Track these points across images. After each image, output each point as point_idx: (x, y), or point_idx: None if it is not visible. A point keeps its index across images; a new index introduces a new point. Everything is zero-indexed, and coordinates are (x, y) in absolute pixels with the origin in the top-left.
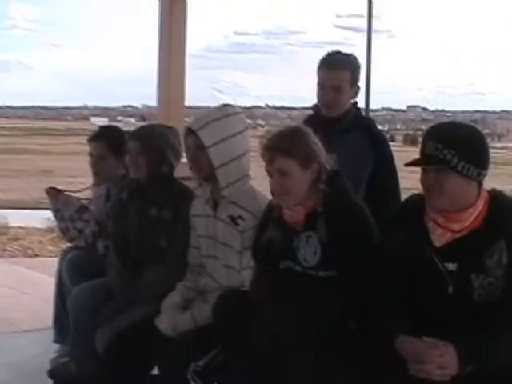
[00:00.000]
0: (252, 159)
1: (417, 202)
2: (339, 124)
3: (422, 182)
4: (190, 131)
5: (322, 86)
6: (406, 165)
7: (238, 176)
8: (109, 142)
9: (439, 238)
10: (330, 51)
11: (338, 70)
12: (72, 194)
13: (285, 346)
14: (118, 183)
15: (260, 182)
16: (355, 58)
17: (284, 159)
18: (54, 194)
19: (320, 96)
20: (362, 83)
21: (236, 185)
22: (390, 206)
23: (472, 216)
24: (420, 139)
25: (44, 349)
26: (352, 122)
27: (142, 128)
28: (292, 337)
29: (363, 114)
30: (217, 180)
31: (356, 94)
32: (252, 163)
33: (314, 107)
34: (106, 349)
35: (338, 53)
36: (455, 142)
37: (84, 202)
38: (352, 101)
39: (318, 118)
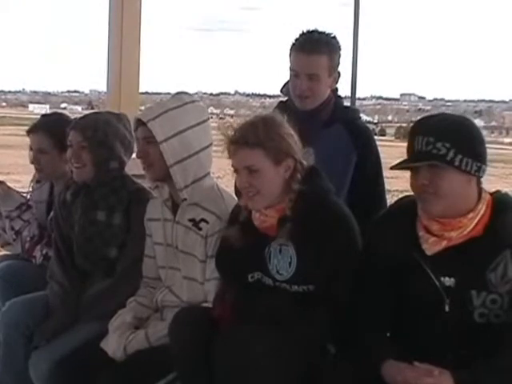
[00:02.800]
0: (219, 155)
1: (407, 205)
2: (316, 117)
3: (413, 185)
4: (140, 122)
5: (295, 74)
6: (393, 167)
7: (199, 174)
8: (51, 133)
9: (431, 246)
10: (304, 30)
11: (315, 55)
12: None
13: (254, 374)
14: (64, 182)
15: (228, 182)
16: (335, 37)
17: (253, 154)
18: None
19: (293, 85)
20: (347, 66)
21: (196, 184)
22: (374, 215)
23: (472, 222)
24: None
25: None
26: (331, 115)
27: (85, 117)
28: (263, 363)
29: (345, 103)
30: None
31: (335, 81)
32: (219, 160)
33: (284, 89)
34: (44, 381)
35: (314, 32)
36: (449, 134)
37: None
38: (329, 90)
39: (291, 108)
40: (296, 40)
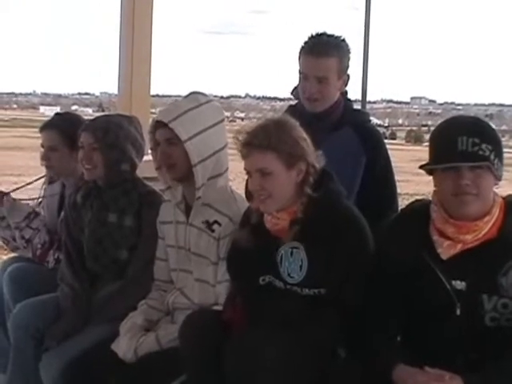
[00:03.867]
0: (230, 157)
1: (420, 209)
2: (326, 120)
3: (453, 185)
4: (161, 124)
5: (304, 77)
6: (429, 167)
7: (215, 173)
8: (63, 131)
9: (446, 250)
10: (313, 33)
11: (324, 58)
12: (20, 198)
13: (264, 377)
14: (75, 182)
15: (239, 185)
16: (344, 40)
17: (265, 156)
18: None
19: (303, 88)
20: (358, 70)
21: (211, 182)
22: (384, 218)
23: (487, 225)
24: (426, 137)
25: None
26: (341, 117)
27: (97, 119)
28: (274, 366)
29: (355, 106)
30: (191, 179)
31: (345, 84)
32: (231, 162)
33: (294, 92)
34: (55, 383)
35: (323, 35)
36: (490, 137)
37: (34, 204)
38: (338, 93)
39: (300, 111)
40: (305, 43)
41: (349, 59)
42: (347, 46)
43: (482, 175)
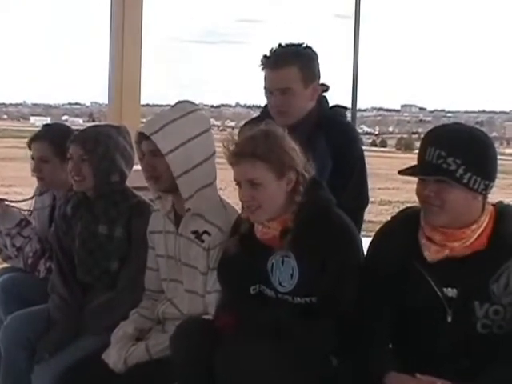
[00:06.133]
0: (220, 166)
1: (410, 216)
2: (298, 132)
3: (419, 193)
4: (144, 136)
5: (269, 91)
6: (401, 173)
7: (203, 183)
8: (53, 141)
9: (433, 254)
10: (274, 46)
11: (282, 68)
12: (13, 205)
13: None
14: (64, 191)
15: (230, 194)
16: (306, 47)
17: (255, 167)
18: None
19: (269, 103)
20: (348, 78)
21: (200, 193)
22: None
23: (475, 233)
24: (416, 144)
25: None
26: (315, 128)
27: (86, 130)
28: (265, 376)
29: (331, 106)
30: (178, 190)
31: (317, 92)
32: (220, 171)
33: (263, 111)
34: None
35: (281, 46)
36: (461, 150)
37: (25, 213)
38: (312, 102)
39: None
40: (265, 56)
41: (317, 65)
42: (311, 52)
43: (447, 189)
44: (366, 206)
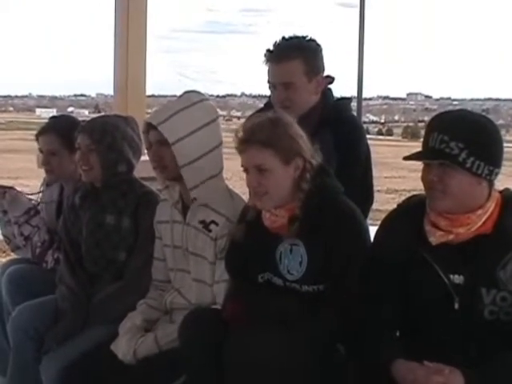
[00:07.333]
0: (226, 156)
1: (416, 203)
2: (302, 126)
3: (424, 178)
4: (151, 126)
5: (272, 86)
6: (405, 158)
7: (209, 174)
8: (60, 134)
9: (438, 239)
10: (277, 39)
11: (285, 62)
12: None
13: (266, 376)
14: (73, 183)
15: (236, 183)
16: (310, 40)
17: (262, 153)
18: (0, 192)
19: (273, 98)
20: (353, 67)
21: (206, 184)
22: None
23: (481, 219)
24: (422, 133)
25: None
26: (319, 122)
27: (93, 120)
28: (275, 365)
29: (337, 99)
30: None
31: (321, 85)
32: (227, 161)
33: (267, 103)
34: None
35: (284, 39)
36: (464, 134)
37: (34, 203)
38: (316, 96)
39: None
40: (268, 50)
41: (320, 58)
42: (315, 45)
43: (450, 173)
44: (371, 205)
